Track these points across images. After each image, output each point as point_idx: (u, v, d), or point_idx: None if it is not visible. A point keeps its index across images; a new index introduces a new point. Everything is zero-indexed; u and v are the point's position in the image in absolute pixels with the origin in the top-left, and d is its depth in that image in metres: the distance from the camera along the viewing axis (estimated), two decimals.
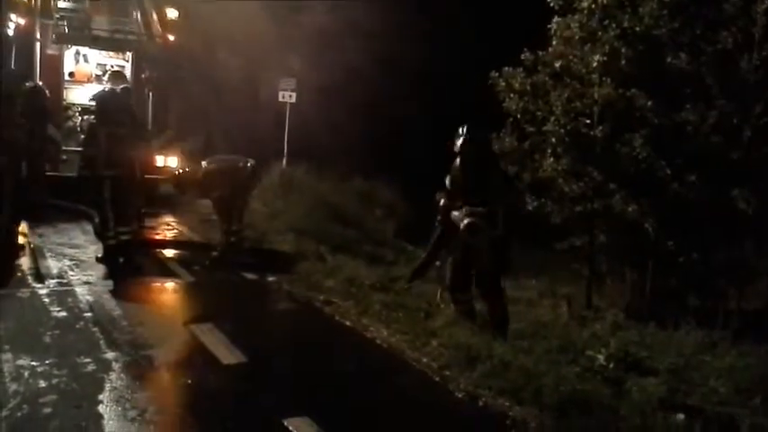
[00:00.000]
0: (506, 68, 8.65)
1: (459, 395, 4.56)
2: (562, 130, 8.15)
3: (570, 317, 7.23)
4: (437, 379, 4.83)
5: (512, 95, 8.60)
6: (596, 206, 8.09)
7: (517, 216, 9.25)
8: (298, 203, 12.39)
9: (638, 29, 8.06)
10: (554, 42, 8.51)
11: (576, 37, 8.34)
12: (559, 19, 8.53)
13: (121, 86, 8.56)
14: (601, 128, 8.06)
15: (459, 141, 6.17)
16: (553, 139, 8.22)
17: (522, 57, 8.56)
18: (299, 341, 5.85)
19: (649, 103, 7.90)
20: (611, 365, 5.40)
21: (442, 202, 6.28)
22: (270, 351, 5.42)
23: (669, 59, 8.07)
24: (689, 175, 7.88)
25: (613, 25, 8.10)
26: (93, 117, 7.98)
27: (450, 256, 6.29)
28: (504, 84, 8.63)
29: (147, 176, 9.06)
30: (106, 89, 8.69)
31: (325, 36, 19.60)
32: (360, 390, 4.76)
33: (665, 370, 5.33)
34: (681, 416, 4.54)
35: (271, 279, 7.67)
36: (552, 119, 8.24)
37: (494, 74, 8.75)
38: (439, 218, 6.35)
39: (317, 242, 9.79)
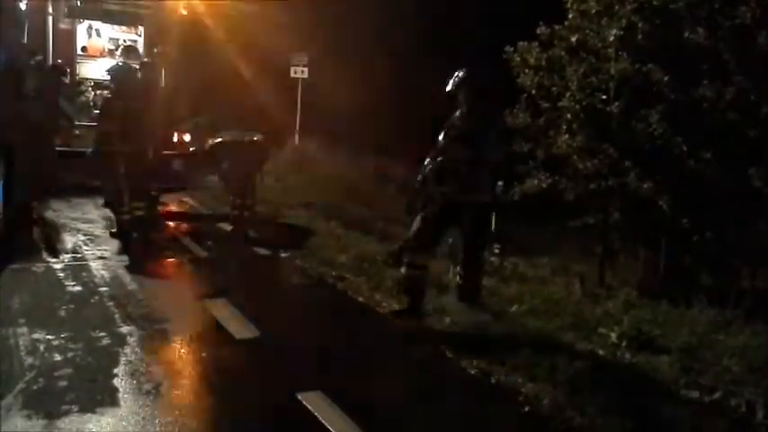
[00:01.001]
0: (522, 43, 8.54)
1: (472, 371, 4.56)
2: (578, 106, 8.03)
3: (583, 294, 7.19)
4: (450, 355, 4.83)
5: (527, 71, 8.49)
6: (611, 183, 8.01)
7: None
8: (310, 179, 12.41)
9: (655, 2, 7.91)
10: (570, 16, 8.38)
11: (593, 11, 8.20)
12: None
13: (142, 61, 8.59)
14: (617, 103, 7.95)
15: (453, 82, 5.66)
16: (568, 115, 8.11)
17: (538, 31, 8.43)
18: (311, 316, 5.87)
19: (666, 78, 7.77)
20: (624, 343, 5.38)
21: (428, 168, 5.77)
22: (282, 326, 5.44)
23: (686, 34, 7.93)
24: (705, 152, 7.78)
25: None
26: (107, 92, 7.96)
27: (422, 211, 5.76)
28: (519, 59, 8.52)
29: (160, 152, 9.08)
30: (121, 63, 8.68)
31: (340, 6, 19.49)
32: (372, 364, 4.77)
33: (678, 348, 5.29)
34: (694, 393, 4.53)
35: (283, 254, 7.70)
36: (568, 94, 8.12)
37: (509, 48, 8.63)
38: (419, 179, 5.86)
39: (329, 218, 9.80)
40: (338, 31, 19.11)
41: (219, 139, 8.48)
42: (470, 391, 4.44)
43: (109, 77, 8.20)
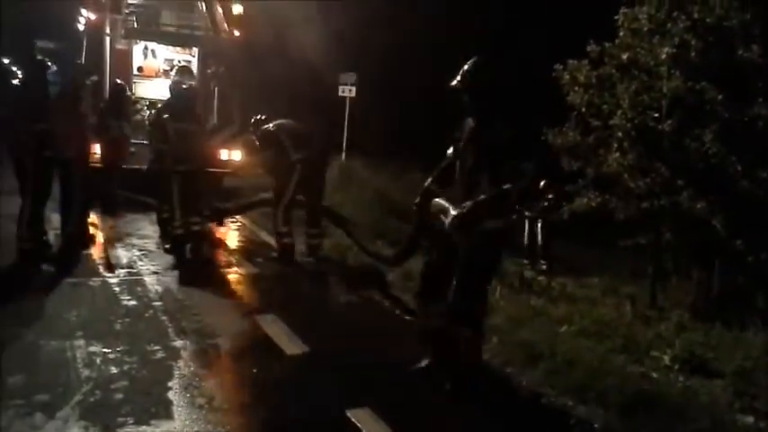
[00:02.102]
0: (571, 61, 8.49)
1: (522, 392, 4.53)
2: (629, 124, 7.93)
3: (634, 316, 7.07)
4: (499, 375, 4.80)
5: (576, 88, 8.43)
6: (663, 203, 7.86)
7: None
8: (356, 197, 12.47)
9: (708, 20, 7.80)
10: (621, 34, 8.30)
11: (645, 28, 8.12)
12: (627, 10, 8.31)
13: (188, 83, 8.76)
14: (669, 122, 7.82)
15: (458, 77, 4.49)
16: (619, 134, 8.00)
17: (588, 48, 8.37)
18: (359, 333, 5.89)
19: (720, 96, 7.63)
20: (677, 366, 5.28)
21: (428, 181, 4.76)
22: (331, 342, 5.48)
23: (740, 52, 7.79)
24: (760, 172, 7.60)
25: (683, 17, 7.86)
26: (165, 112, 8.12)
27: (426, 254, 4.94)
28: (568, 76, 8.47)
29: (212, 170, 9.27)
30: (178, 85, 8.90)
31: (385, 27, 19.68)
32: (421, 383, 4.77)
33: (732, 372, 5.18)
34: (749, 419, 4.42)
35: (331, 271, 7.77)
36: (619, 112, 8.03)
37: (558, 66, 8.59)
38: (417, 201, 4.82)
39: (376, 237, 9.83)
40: (387, 50, 19.32)
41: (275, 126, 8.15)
42: (521, 412, 4.40)
43: (168, 97, 8.34)
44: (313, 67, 16.98)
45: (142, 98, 11.62)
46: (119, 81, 10.55)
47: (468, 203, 4.16)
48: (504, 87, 4.53)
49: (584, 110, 8.43)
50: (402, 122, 19.17)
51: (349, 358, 5.14)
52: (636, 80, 8.14)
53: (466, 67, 4.47)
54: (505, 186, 4.15)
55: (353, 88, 14.72)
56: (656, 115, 7.99)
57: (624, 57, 8.19)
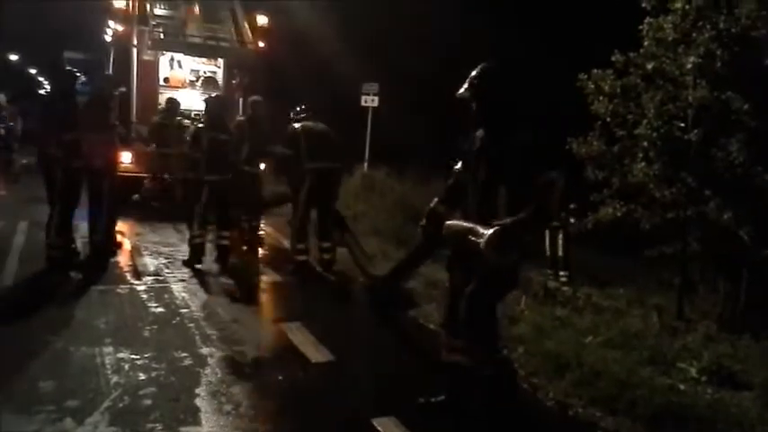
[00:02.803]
0: (595, 70, 8.44)
1: (549, 403, 4.51)
2: (654, 134, 7.86)
3: (660, 327, 7.00)
4: (525, 386, 4.78)
5: (601, 98, 8.38)
6: (689, 213, 7.79)
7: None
8: (379, 206, 12.50)
9: (734, 30, 7.74)
10: (646, 43, 8.25)
11: (670, 38, 8.07)
12: (651, 20, 8.27)
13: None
14: (695, 131, 7.75)
15: (465, 85, 4.17)
16: (645, 143, 7.93)
17: (613, 58, 8.33)
18: (384, 342, 5.90)
19: (746, 106, 7.56)
20: (704, 378, 5.22)
21: (434, 202, 4.49)
22: (356, 351, 5.50)
23: (767, 61, 7.73)
24: None
25: (708, 26, 7.80)
26: (200, 122, 8.21)
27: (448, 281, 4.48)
28: (592, 86, 8.42)
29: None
30: (212, 96, 9.03)
31: (407, 38, 19.76)
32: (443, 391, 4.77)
33: (761, 384, 5.11)
34: None
35: (354, 280, 7.79)
36: (644, 122, 7.97)
37: (582, 76, 8.55)
38: (423, 223, 4.56)
39: (399, 245, 9.84)
40: (409, 59, 19.39)
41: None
42: (548, 423, 4.38)
43: (204, 108, 8.41)
44: (336, 77, 17.09)
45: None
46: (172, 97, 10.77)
47: (507, 220, 3.76)
48: (518, 95, 4.17)
49: (608, 119, 8.37)
50: (423, 131, 19.18)
51: (374, 367, 5.17)
52: (661, 90, 8.07)
53: (474, 73, 4.17)
54: (540, 201, 3.90)
55: (376, 98, 14.78)
56: (682, 125, 7.92)
57: (649, 66, 8.13)
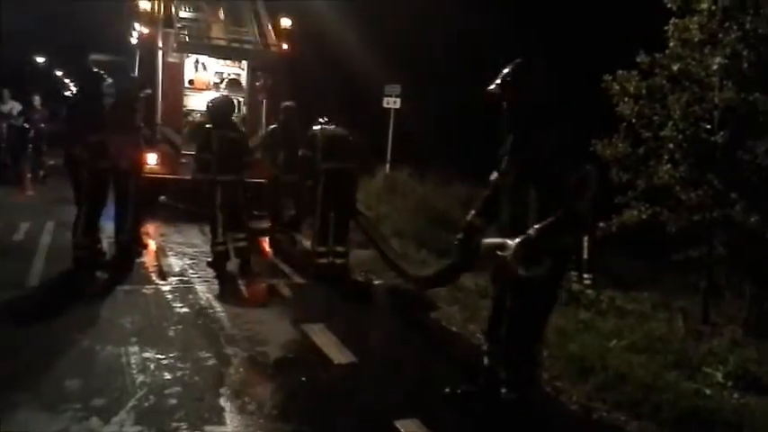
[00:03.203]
0: (621, 71, 8.37)
1: (572, 407, 4.48)
2: (680, 136, 7.79)
3: (686, 331, 6.92)
4: (548, 389, 4.76)
5: (626, 99, 8.31)
6: (716, 215, 7.70)
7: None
8: (401, 208, 12.51)
9: (760, 30, 7.64)
10: (671, 44, 8.17)
11: (696, 39, 7.98)
12: (677, 20, 8.18)
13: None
14: (721, 133, 7.66)
15: (496, 81, 4.01)
16: (671, 145, 7.86)
17: (638, 59, 8.25)
18: (406, 344, 5.90)
19: None
20: (730, 383, 5.16)
21: (471, 214, 4.33)
22: (378, 352, 5.52)
23: None
24: None
25: (734, 27, 7.71)
26: (207, 123, 8.20)
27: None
28: (617, 87, 8.36)
29: (258, 180, 9.37)
30: (220, 96, 9.03)
31: (431, 37, 19.74)
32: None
33: None
34: None
35: (377, 282, 7.80)
36: (670, 123, 7.89)
37: (607, 77, 8.48)
38: (459, 236, 4.40)
39: (421, 247, 9.84)
40: (432, 60, 19.37)
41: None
42: (572, 427, 4.35)
43: (207, 108, 8.36)
44: (359, 78, 17.12)
45: (193, 110, 11.83)
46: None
47: (532, 231, 3.66)
48: (551, 94, 3.99)
49: (633, 121, 8.30)
50: (446, 132, 19.17)
51: (397, 369, 5.17)
52: (687, 91, 7.99)
53: (506, 70, 3.98)
54: (571, 204, 3.66)
55: (398, 100, 14.79)
56: (708, 127, 7.84)
57: (675, 67, 8.05)
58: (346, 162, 7.95)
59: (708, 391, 4.90)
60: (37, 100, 15.50)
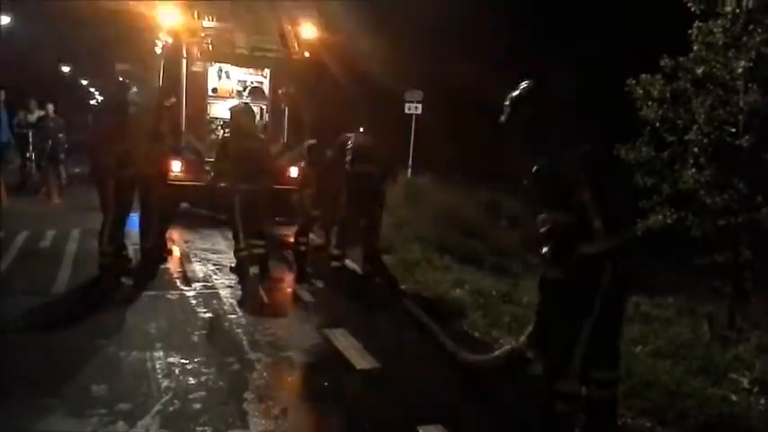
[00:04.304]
0: (644, 75, 8.31)
1: None
2: (705, 140, 7.72)
3: (711, 337, 6.84)
4: None
5: (650, 103, 8.25)
6: (741, 220, 7.61)
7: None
8: (423, 213, 12.51)
9: None
10: (695, 48, 8.10)
11: (720, 42, 7.91)
12: (700, 24, 8.11)
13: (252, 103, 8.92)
14: (747, 137, 7.58)
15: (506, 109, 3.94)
16: (695, 149, 7.79)
17: (662, 63, 8.19)
18: (428, 349, 5.88)
19: None
20: (756, 389, 5.09)
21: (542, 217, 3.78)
22: (400, 358, 5.51)
23: None
24: None
25: (759, 29, 7.63)
26: (226, 131, 8.20)
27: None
28: (641, 91, 8.29)
29: (279, 188, 9.38)
30: (239, 104, 9.08)
31: (451, 47, 19.74)
32: (490, 400, 4.75)
33: None
34: None
35: (399, 288, 7.79)
36: (694, 127, 7.82)
37: (630, 81, 8.42)
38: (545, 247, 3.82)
39: (443, 252, 9.84)
40: (453, 65, 19.36)
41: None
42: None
43: (228, 116, 8.38)
44: (380, 84, 17.17)
45: (216, 118, 11.94)
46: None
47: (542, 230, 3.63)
48: (562, 112, 3.91)
49: (657, 125, 8.23)
50: (468, 139, 19.14)
51: (418, 374, 5.17)
52: (711, 94, 7.91)
53: (507, 101, 3.92)
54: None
55: (419, 105, 14.83)
56: (733, 130, 7.75)
57: (699, 71, 7.98)
58: (370, 167, 7.93)
59: (734, 398, 4.83)
60: (50, 108, 15.63)
